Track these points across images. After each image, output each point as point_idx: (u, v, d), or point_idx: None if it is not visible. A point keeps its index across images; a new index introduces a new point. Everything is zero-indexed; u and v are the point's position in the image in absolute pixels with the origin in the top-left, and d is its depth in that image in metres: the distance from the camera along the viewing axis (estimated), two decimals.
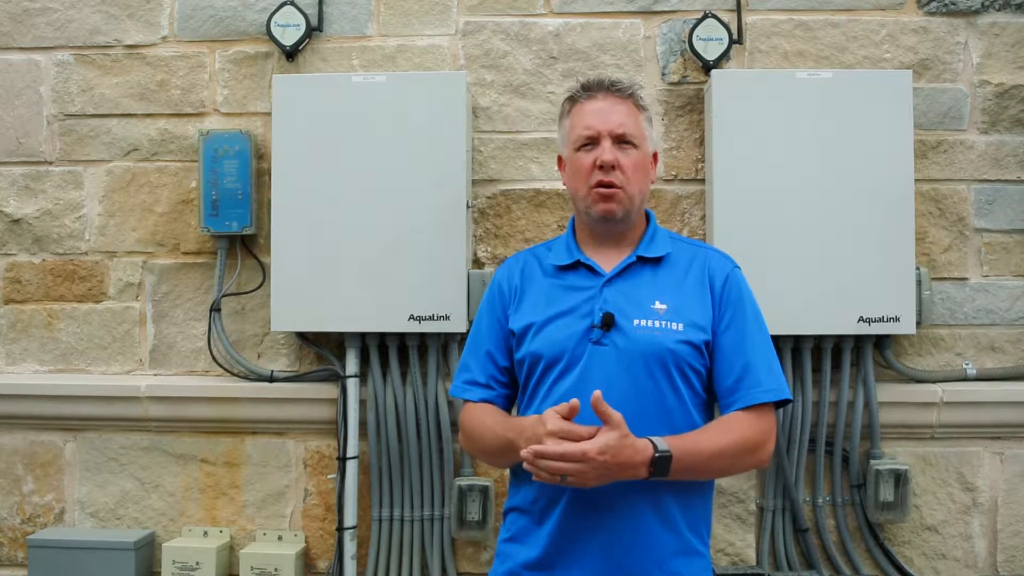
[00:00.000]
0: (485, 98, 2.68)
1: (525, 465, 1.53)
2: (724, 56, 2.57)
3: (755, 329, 1.70)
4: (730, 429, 1.63)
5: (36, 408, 2.68)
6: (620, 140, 1.71)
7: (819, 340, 2.52)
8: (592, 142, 1.71)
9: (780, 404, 1.70)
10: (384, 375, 2.58)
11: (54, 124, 2.77)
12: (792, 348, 2.52)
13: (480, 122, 2.68)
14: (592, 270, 1.73)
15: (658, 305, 1.67)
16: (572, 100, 1.78)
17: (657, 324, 1.65)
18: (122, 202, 2.74)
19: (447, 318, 2.47)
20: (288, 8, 2.64)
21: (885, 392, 2.54)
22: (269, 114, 2.62)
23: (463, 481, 2.54)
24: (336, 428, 2.59)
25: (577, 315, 1.69)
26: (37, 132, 2.77)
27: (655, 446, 1.53)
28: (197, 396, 2.64)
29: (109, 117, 2.75)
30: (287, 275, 2.51)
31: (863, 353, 2.53)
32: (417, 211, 2.48)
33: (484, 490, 2.52)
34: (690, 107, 2.66)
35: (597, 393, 1.50)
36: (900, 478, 2.48)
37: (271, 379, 2.63)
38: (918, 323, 2.47)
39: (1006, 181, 2.63)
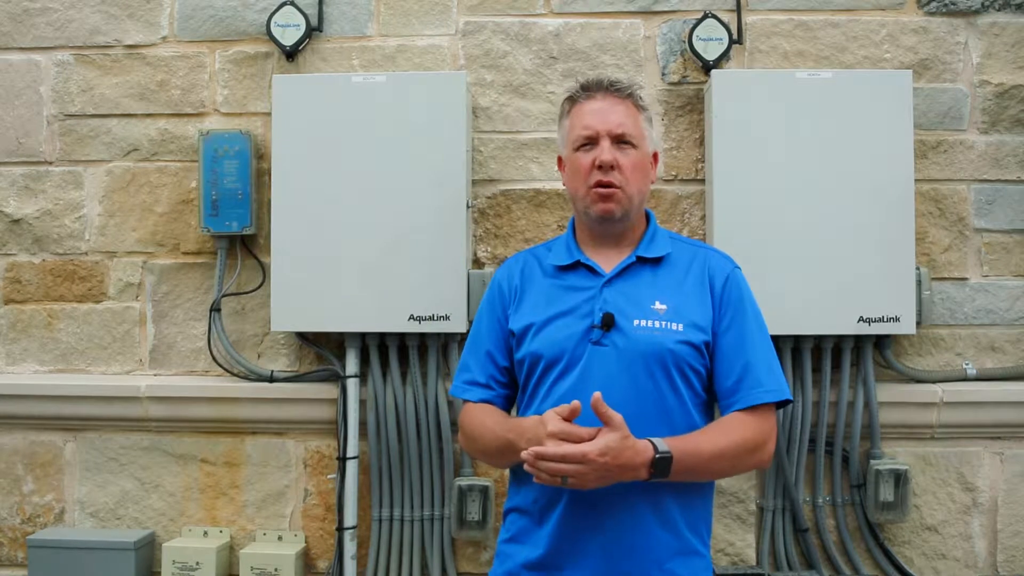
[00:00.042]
0: (485, 98, 2.68)
1: (525, 466, 1.52)
2: (724, 56, 2.57)
3: (755, 329, 1.70)
4: (730, 430, 1.63)
5: (36, 408, 2.68)
6: (619, 140, 1.71)
7: (819, 340, 2.52)
8: (591, 142, 1.71)
9: (780, 404, 1.70)
10: (384, 375, 2.58)
11: (54, 124, 2.77)
12: (792, 348, 2.52)
13: (480, 122, 2.68)
14: (592, 270, 1.73)
15: (658, 305, 1.67)
16: (571, 100, 1.78)
17: (657, 324, 1.65)
18: (122, 202, 2.74)
19: (447, 318, 2.47)
20: (288, 8, 2.64)
21: (885, 392, 2.54)
22: (269, 114, 2.62)
23: (463, 481, 2.54)
24: (336, 428, 2.59)
25: (577, 315, 1.68)
26: (37, 132, 2.77)
27: (655, 447, 1.53)
28: (197, 396, 2.64)
29: (109, 117, 2.75)
30: (287, 275, 2.51)
31: (863, 353, 2.53)
32: (417, 211, 2.48)
33: (484, 490, 2.53)
34: (690, 107, 2.66)
35: (597, 395, 1.50)
36: (900, 478, 2.48)
37: (271, 379, 2.63)
38: (918, 323, 2.47)
39: (1006, 181, 2.63)
